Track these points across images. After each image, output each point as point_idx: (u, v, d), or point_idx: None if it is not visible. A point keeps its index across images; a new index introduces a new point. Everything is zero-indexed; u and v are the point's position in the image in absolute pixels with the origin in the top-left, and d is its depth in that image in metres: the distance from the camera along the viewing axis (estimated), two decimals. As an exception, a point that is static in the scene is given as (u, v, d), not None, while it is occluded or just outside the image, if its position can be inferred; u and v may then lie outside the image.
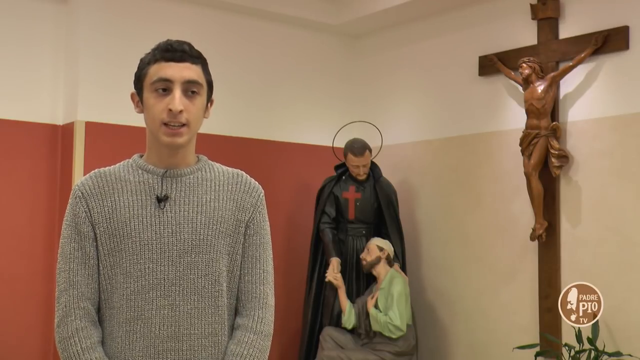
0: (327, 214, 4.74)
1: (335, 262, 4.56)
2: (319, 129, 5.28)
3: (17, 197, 4.33)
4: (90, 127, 4.33)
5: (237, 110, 4.91)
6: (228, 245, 1.80)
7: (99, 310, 1.77)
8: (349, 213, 4.71)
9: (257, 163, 4.88)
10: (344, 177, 4.78)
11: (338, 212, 4.74)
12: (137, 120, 4.35)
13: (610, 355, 3.67)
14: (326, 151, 5.06)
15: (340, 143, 4.87)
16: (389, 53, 5.29)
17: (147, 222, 1.74)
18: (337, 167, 4.83)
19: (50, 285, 4.42)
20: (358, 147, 4.62)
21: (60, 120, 4.49)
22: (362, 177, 4.70)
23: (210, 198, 1.80)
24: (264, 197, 1.89)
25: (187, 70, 1.74)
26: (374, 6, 4.93)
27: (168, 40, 1.78)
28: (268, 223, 1.89)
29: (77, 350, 1.71)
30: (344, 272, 4.60)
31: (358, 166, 4.65)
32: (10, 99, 4.33)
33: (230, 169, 1.89)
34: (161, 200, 1.76)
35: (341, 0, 5.16)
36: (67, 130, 4.42)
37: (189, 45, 1.78)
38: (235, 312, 1.84)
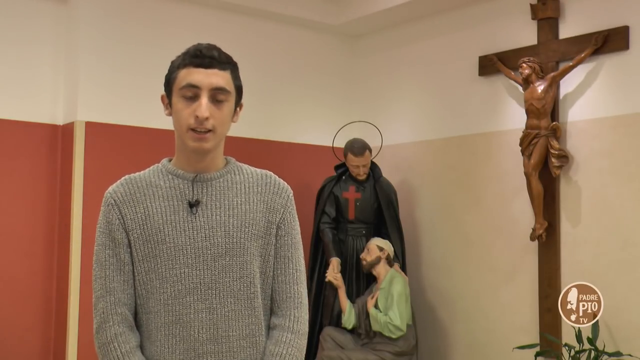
0: (327, 214, 4.74)
1: (335, 262, 4.56)
2: (319, 129, 5.28)
3: (17, 197, 4.33)
4: (90, 127, 4.33)
5: (237, 110, 4.90)
6: (260, 247, 1.82)
7: (135, 315, 1.79)
8: (349, 213, 4.71)
9: (257, 163, 4.78)
10: (344, 177, 4.78)
11: (338, 212, 4.74)
12: (137, 120, 4.41)
13: (610, 355, 3.67)
14: (326, 151, 5.06)
15: (340, 143, 4.87)
16: (389, 53, 5.29)
17: (180, 227, 1.76)
18: (337, 167, 4.83)
19: (50, 285, 4.43)
20: (358, 147, 4.62)
21: (60, 120, 4.49)
22: (362, 177, 4.70)
23: (241, 201, 1.82)
24: (293, 197, 1.91)
25: (214, 77, 1.74)
26: (374, 6, 4.93)
27: (198, 44, 1.77)
28: (298, 223, 1.92)
29: (116, 356, 1.73)
30: (344, 272, 4.60)
31: (358, 166, 4.65)
32: (10, 99, 4.33)
33: (258, 170, 1.92)
34: (193, 205, 1.78)
35: (341, 0, 5.16)
36: (67, 130, 4.42)
37: (218, 50, 1.77)
38: (270, 312, 1.86)
